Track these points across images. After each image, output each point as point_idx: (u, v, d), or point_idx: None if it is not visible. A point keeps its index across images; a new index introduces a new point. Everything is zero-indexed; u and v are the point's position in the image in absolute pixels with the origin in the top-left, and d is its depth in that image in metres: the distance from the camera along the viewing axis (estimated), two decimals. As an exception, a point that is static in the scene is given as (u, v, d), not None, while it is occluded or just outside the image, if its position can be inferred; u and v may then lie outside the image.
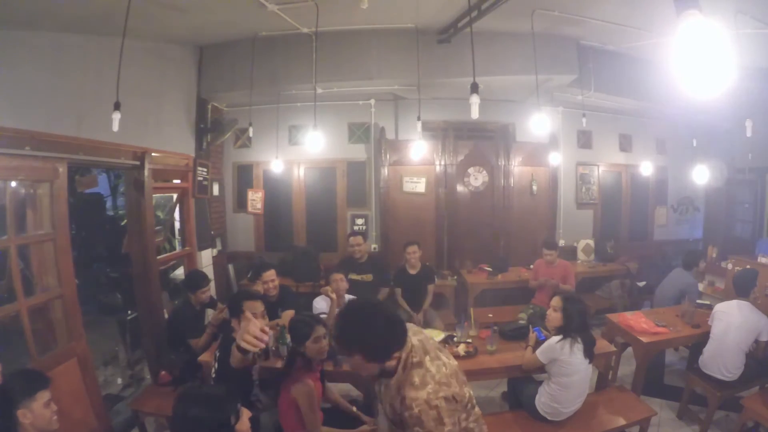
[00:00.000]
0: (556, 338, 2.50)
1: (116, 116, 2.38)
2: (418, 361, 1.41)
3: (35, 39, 2.66)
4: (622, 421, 2.57)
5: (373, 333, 1.36)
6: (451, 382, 1.38)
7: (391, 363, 1.40)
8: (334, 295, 3.37)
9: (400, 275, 4.38)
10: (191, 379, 3.04)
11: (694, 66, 1.12)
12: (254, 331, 1.51)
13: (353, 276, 4.17)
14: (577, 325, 2.49)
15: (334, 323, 1.43)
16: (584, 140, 5.86)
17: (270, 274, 3.38)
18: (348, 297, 3.62)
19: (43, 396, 1.78)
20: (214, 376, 2.25)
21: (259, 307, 2.37)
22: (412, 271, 4.33)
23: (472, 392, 1.53)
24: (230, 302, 2.45)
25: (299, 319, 2.40)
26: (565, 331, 2.51)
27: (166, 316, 3.73)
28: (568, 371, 2.43)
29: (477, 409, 1.54)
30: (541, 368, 2.60)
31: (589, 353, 2.47)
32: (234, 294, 2.63)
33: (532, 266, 4.71)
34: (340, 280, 3.50)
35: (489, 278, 4.93)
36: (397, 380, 1.40)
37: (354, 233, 4.79)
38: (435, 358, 1.44)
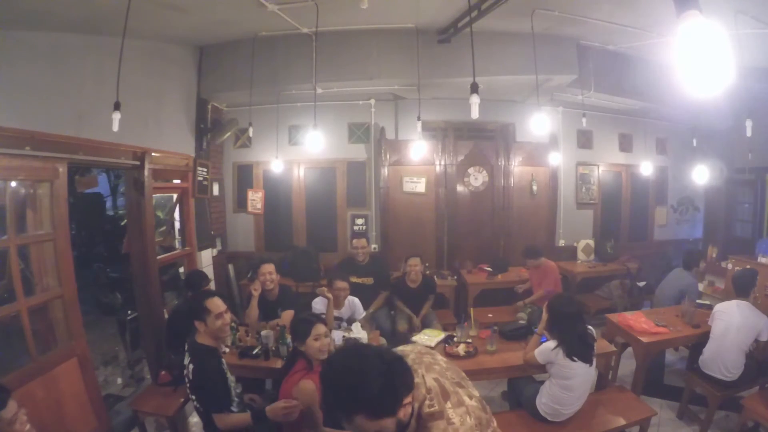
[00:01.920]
0: (552, 344, 2.49)
1: (116, 116, 2.38)
2: (438, 411, 1.14)
3: (35, 39, 2.66)
4: (622, 421, 2.57)
5: (370, 383, 1.04)
6: None
7: (406, 411, 1.10)
8: (330, 295, 3.38)
9: (399, 288, 4.27)
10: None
11: (694, 66, 1.12)
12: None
13: (354, 279, 4.15)
14: (563, 327, 2.47)
15: (324, 386, 1.13)
16: (584, 140, 5.86)
17: (268, 267, 3.38)
18: (350, 299, 3.63)
19: (6, 414, 1.59)
20: (188, 383, 2.20)
21: (221, 305, 2.27)
22: (413, 285, 4.20)
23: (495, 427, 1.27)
24: (192, 305, 2.31)
25: (300, 319, 2.39)
26: (552, 334, 2.51)
27: (166, 316, 3.73)
28: (568, 374, 2.42)
29: None
30: (542, 367, 2.60)
31: (587, 358, 2.44)
32: (193, 298, 2.50)
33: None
34: (342, 288, 3.49)
35: (489, 278, 4.94)
36: None
37: (358, 235, 4.76)
38: (458, 404, 1.16)
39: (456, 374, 1.28)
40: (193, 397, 2.18)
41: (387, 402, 1.06)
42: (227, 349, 2.89)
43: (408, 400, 1.10)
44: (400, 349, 1.35)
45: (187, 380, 2.19)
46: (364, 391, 1.05)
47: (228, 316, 2.32)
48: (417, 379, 1.19)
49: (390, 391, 1.06)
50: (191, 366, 2.15)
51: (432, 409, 1.14)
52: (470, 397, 1.22)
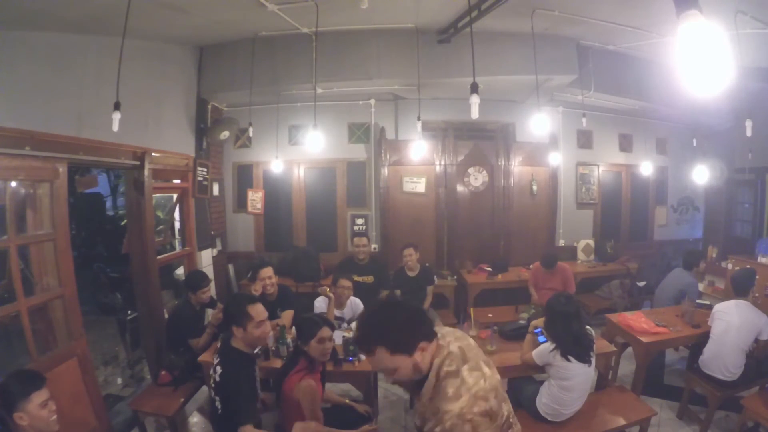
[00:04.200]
0: (550, 346, 2.49)
1: (116, 116, 2.38)
2: (454, 370, 1.29)
3: (35, 39, 2.66)
4: (622, 421, 2.57)
5: (393, 321, 1.32)
6: (489, 396, 1.26)
7: (423, 358, 1.31)
8: (331, 294, 3.39)
9: (398, 277, 4.40)
10: (191, 379, 3.04)
11: (694, 66, 1.13)
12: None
13: (354, 278, 4.18)
14: (558, 326, 2.48)
15: (357, 323, 1.43)
16: (584, 140, 5.86)
17: (267, 271, 3.37)
18: (351, 300, 3.64)
19: (39, 397, 1.74)
20: (214, 385, 2.23)
21: (264, 312, 2.24)
22: (411, 273, 4.35)
23: (511, 410, 1.42)
24: (231, 308, 2.28)
25: (307, 318, 2.37)
26: (548, 332, 2.52)
27: (166, 316, 3.73)
28: (567, 375, 2.42)
29: (517, 427, 1.45)
30: (540, 368, 2.60)
31: (585, 359, 2.44)
32: (233, 299, 2.50)
33: (531, 266, 4.71)
34: (346, 287, 3.49)
35: (489, 278, 4.94)
36: (428, 389, 1.31)
37: (359, 234, 4.76)
38: (474, 368, 1.31)
39: (482, 357, 1.41)
40: (217, 397, 2.14)
41: (404, 340, 1.30)
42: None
43: (423, 345, 1.31)
44: (441, 329, 1.50)
45: (212, 381, 2.16)
46: (387, 327, 1.31)
47: (268, 325, 2.28)
48: (441, 342, 1.37)
49: (408, 331, 1.31)
50: (220, 369, 2.10)
51: (450, 368, 1.30)
52: (490, 367, 1.36)
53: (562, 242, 5.73)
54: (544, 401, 2.51)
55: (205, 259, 4.79)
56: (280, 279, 3.55)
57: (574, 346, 2.43)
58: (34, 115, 2.58)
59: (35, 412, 1.72)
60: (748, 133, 3.86)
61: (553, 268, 4.34)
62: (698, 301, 3.90)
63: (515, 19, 3.71)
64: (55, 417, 1.80)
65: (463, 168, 5.42)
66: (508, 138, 5.54)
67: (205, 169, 4.75)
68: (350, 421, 2.43)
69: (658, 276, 4.54)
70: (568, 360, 2.40)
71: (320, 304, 3.52)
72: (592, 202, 5.92)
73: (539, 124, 3.65)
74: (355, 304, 3.66)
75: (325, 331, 2.26)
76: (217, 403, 2.15)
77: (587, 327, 2.57)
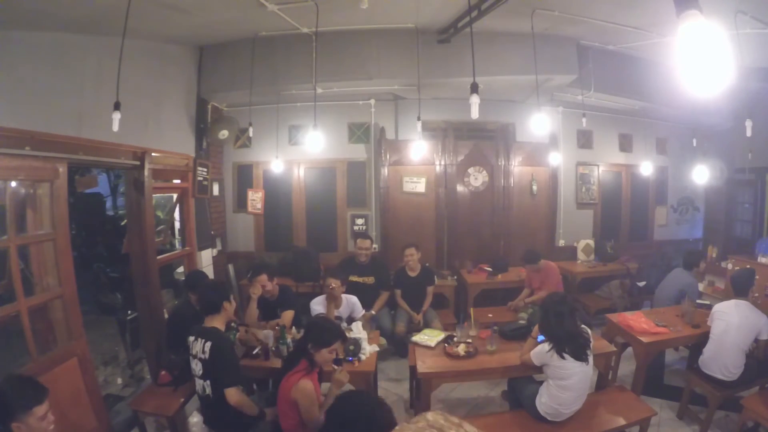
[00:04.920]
0: (547, 346, 2.49)
1: (116, 116, 2.38)
2: None
3: (35, 39, 2.66)
4: (622, 421, 2.57)
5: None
6: None
7: None
8: (336, 293, 3.41)
9: (399, 277, 4.40)
10: (191, 379, 3.04)
11: (694, 66, 1.13)
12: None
13: (354, 278, 4.18)
14: (552, 324, 2.48)
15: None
16: (584, 140, 5.86)
17: (261, 278, 3.31)
18: (346, 297, 3.64)
19: (40, 410, 1.71)
20: (201, 370, 2.35)
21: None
22: (412, 273, 4.35)
23: None
24: (220, 285, 2.74)
25: (326, 326, 2.40)
26: (546, 335, 2.52)
27: (166, 316, 3.73)
28: (564, 374, 2.43)
29: None
30: (539, 368, 2.60)
31: (581, 356, 2.44)
32: (215, 283, 2.97)
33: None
34: (337, 286, 3.49)
35: (489, 278, 4.94)
36: None
37: (362, 236, 4.74)
38: None
39: None
40: (207, 381, 2.30)
41: None
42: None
43: None
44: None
45: (201, 364, 2.31)
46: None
47: None
48: None
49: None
50: (209, 344, 2.30)
51: None
52: None
53: (562, 242, 5.73)
54: (544, 401, 2.51)
55: (205, 259, 4.78)
56: (280, 279, 3.54)
57: (569, 342, 2.44)
58: (34, 115, 2.58)
59: (35, 425, 1.69)
60: (748, 133, 3.86)
61: (535, 264, 4.37)
62: (698, 301, 3.90)
63: (515, 19, 3.71)
64: (52, 427, 1.77)
65: (463, 168, 5.42)
66: (508, 138, 5.54)
67: (205, 169, 4.75)
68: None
69: (658, 276, 4.54)
70: (563, 357, 2.41)
71: (317, 306, 3.52)
72: (592, 202, 5.92)
73: (539, 124, 3.66)
74: (352, 302, 3.67)
75: (340, 345, 2.39)
76: (207, 389, 2.29)
77: (583, 326, 2.58)
